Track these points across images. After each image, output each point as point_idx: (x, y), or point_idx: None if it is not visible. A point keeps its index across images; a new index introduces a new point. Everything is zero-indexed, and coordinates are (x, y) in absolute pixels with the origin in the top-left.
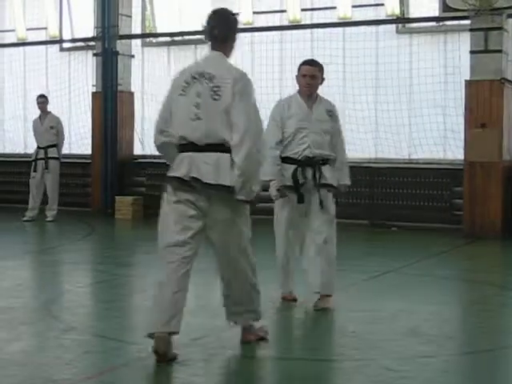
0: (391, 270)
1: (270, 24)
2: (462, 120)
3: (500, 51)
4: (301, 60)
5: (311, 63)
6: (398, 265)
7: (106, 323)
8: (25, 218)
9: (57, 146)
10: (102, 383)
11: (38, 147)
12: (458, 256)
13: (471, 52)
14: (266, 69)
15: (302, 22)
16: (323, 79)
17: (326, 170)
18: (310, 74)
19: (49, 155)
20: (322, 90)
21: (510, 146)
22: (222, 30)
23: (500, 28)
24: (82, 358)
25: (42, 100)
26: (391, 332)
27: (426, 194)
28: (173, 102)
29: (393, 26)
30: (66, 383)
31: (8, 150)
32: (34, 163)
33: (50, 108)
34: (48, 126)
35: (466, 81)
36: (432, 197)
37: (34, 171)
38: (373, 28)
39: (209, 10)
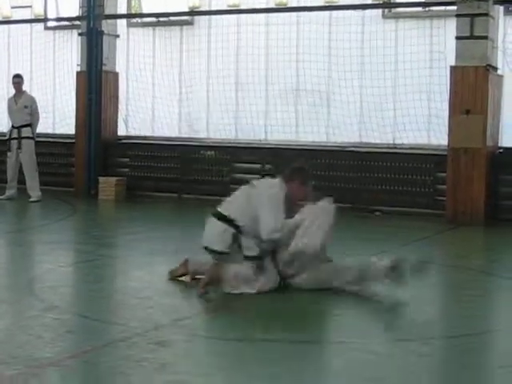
0: (373, 254)
1: (257, 6)
2: (446, 106)
3: (486, 37)
4: (286, 43)
5: None
6: (380, 249)
7: (89, 303)
8: (1, 197)
9: (31, 125)
10: (84, 363)
11: (13, 126)
12: (440, 241)
13: (457, 38)
14: (252, 51)
15: (289, 5)
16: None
17: None
18: None
19: (22, 135)
20: (307, 73)
21: (493, 132)
22: None
23: (486, 14)
24: (63, 337)
25: (18, 80)
26: (372, 315)
27: (409, 179)
28: None
29: (379, 11)
30: (47, 362)
31: None
32: (8, 143)
33: (33, 87)
34: (22, 106)
35: (451, 67)
36: (415, 182)
37: (9, 151)
38: (359, 12)
39: None
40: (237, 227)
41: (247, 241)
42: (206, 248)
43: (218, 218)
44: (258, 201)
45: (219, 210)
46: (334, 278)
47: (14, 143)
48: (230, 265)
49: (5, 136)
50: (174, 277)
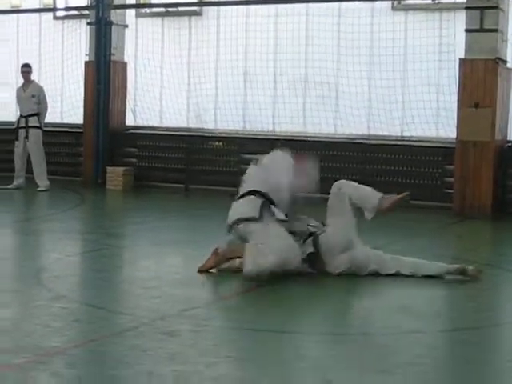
0: (378, 246)
1: None
2: (455, 98)
3: (495, 30)
4: (295, 34)
5: None
6: (385, 241)
7: (96, 293)
8: (9, 186)
9: (39, 114)
10: (91, 352)
11: (21, 116)
12: (447, 234)
13: (466, 30)
14: (261, 42)
15: None
16: None
17: None
18: None
19: (29, 124)
20: (316, 64)
21: (502, 125)
22: None
23: (496, 7)
24: (71, 326)
25: (27, 69)
26: (381, 308)
27: (417, 172)
28: None
29: (388, 3)
30: (54, 351)
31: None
32: (16, 132)
33: (42, 76)
34: (30, 95)
35: (460, 59)
36: (423, 174)
37: (17, 140)
38: (368, 4)
39: None
40: (263, 196)
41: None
42: (232, 224)
43: (241, 197)
44: (274, 171)
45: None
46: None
47: (22, 132)
48: (257, 235)
49: (13, 125)
50: (204, 269)
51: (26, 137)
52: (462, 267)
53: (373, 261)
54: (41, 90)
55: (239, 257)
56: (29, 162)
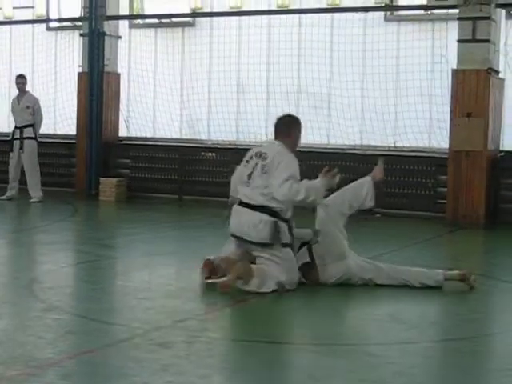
0: (372, 256)
1: (259, 8)
2: (447, 109)
3: (488, 41)
4: (288, 45)
5: None
6: (379, 251)
7: (89, 304)
8: (2, 197)
9: (33, 125)
10: (85, 363)
11: (16, 127)
12: (440, 244)
13: (459, 41)
14: (254, 53)
15: (291, 7)
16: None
17: None
18: None
19: (24, 135)
20: (309, 75)
21: (494, 135)
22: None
23: (488, 18)
24: (64, 337)
25: (21, 81)
26: (373, 318)
27: (410, 182)
28: None
29: (381, 13)
30: (47, 362)
31: None
32: (11, 143)
33: (35, 87)
34: (24, 106)
35: (452, 70)
36: (416, 184)
37: (11, 151)
38: (361, 15)
39: None
40: (274, 214)
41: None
42: (240, 238)
43: (253, 208)
44: (276, 169)
45: (244, 195)
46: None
47: (17, 143)
48: (261, 260)
49: (7, 136)
50: (207, 281)
51: (21, 147)
52: (464, 273)
53: (367, 269)
54: (35, 101)
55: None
56: (22, 172)
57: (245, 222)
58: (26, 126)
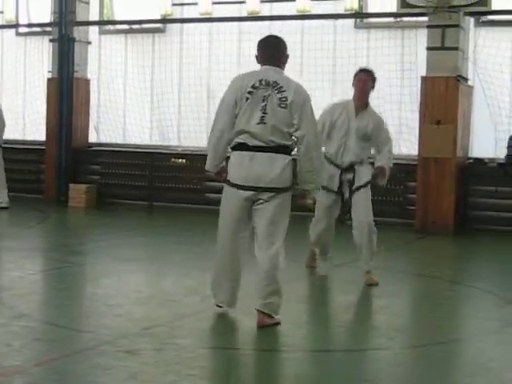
0: (342, 263)
1: (229, 15)
2: (417, 116)
3: (456, 48)
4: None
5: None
6: (349, 258)
7: (58, 311)
8: None
9: None
10: (52, 370)
11: None
12: (409, 250)
13: (428, 48)
14: (224, 59)
15: (261, 14)
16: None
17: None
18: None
19: None
20: None
21: (463, 142)
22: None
23: (457, 25)
24: (31, 345)
25: None
26: (341, 324)
27: (379, 189)
28: None
29: (351, 21)
30: (14, 370)
31: None
32: None
33: (4, 92)
34: None
35: (422, 77)
36: (385, 191)
37: None
38: (331, 22)
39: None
40: (289, 152)
41: None
42: (252, 188)
43: (271, 150)
44: (302, 112)
45: (255, 136)
46: None
47: None
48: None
49: None
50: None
51: None
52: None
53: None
54: None
55: None
56: None
57: (267, 167)
58: None
